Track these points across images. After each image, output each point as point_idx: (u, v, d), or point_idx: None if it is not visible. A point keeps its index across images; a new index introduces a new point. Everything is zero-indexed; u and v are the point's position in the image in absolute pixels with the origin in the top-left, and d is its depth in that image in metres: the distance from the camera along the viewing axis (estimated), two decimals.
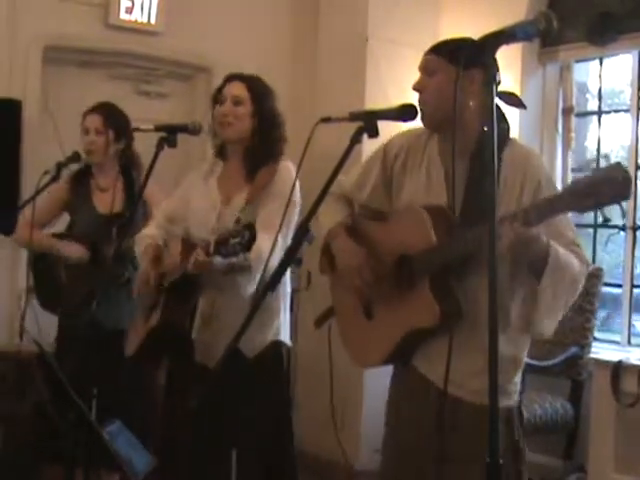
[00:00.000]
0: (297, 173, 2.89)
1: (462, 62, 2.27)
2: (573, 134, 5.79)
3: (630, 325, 5.48)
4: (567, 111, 5.80)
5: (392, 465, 2.89)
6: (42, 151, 5.15)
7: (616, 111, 5.87)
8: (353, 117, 2.57)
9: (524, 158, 2.67)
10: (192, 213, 3.57)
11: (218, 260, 3.09)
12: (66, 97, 5.61)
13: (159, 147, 3.31)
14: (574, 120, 5.80)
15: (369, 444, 5.17)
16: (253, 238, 2.91)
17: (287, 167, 3.51)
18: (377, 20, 5.92)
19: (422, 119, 2.72)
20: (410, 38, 5.75)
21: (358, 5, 6.01)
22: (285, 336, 3.57)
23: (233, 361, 2.48)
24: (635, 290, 5.49)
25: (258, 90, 3.55)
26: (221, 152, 3.65)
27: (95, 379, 3.63)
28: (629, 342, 5.46)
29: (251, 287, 3.25)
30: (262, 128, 3.52)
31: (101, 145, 4.26)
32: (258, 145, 3.52)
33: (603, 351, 5.33)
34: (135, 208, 3.85)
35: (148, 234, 3.65)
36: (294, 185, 2.96)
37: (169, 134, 3.33)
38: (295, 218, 3.44)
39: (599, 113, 5.82)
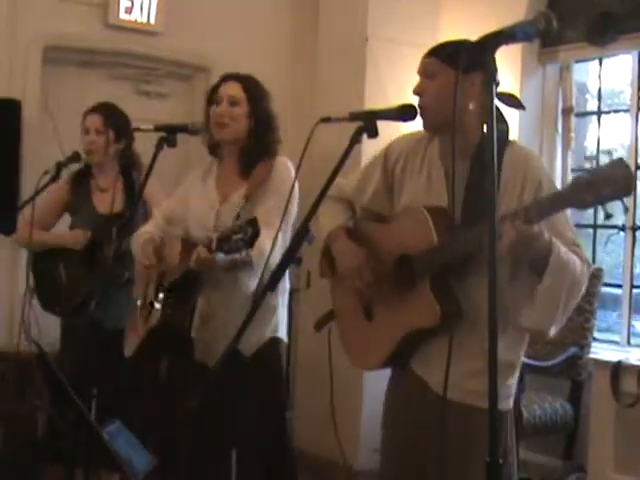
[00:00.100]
0: (297, 172, 2.88)
1: (462, 65, 2.26)
2: (573, 134, 5.79)
3: (630, 325, 5.48)
4: (567, 111, 5.80)
5: (390, 466, 2.89)
6: (42, 151, 5.15)
7: (616, 111, 5.87)
8: (353, 117, 2.57)
9: (524, 160, 2.67)
10: (191, 214, 3.57)
11: (220, 257, 3.09)
12: (66, 97, 5.62)
13: (159, 147, 3.32)
14: (574, 120, 5.80)
15: (368, 444, 5.17)
16: (256, 234, 2.90)
17: (283, 162, 3.50)
18: (377, 20, 5.92)
19: (423, 122, 2.72)
20: (410, 38, 5.75)
21: (358, 5, 6.00)
22: (283, 333, 3.57)
23: (232, 359, 2.48)
24: (635, 290, 5.49)
25: (254, 90, 3.55)
26: (215, 151, 3.64)
27: (95, 379, 3.63)
28: (629, 342, 5.45)
29: (252, 283, 3.24)
30: (258, 129, 3.52)
31: (101, 145, 4.26)
32: (253, 145, 3.51)
33: (603, 351, 5.33)
34: (135, 208, 3.85)
35: (146, 232, 3.64)
36: (293, 179, 2.95)
37: (169, 134, 3.34)
38: (294, 213, 3.44)
39: (599, 113, 5.82)
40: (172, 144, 3.34)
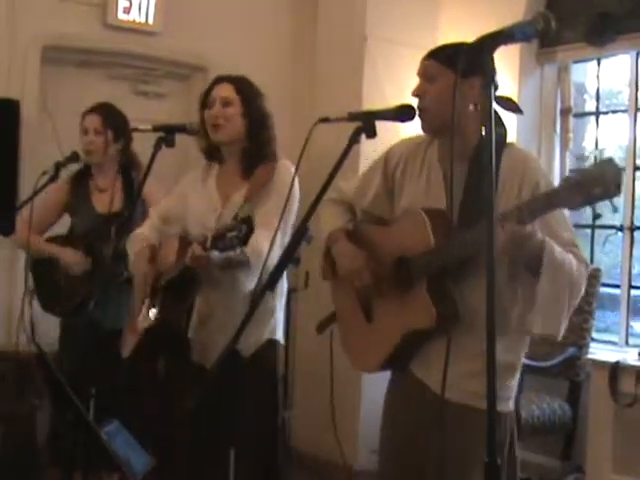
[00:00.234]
0: (296, 171, 2.89)
1: (461, 69, 2.26)
2: (571, 134, 5.79)
3: (628, 326, 5.49)
4: (565, 112, 5.80)
5: (390, 466, 2.89)
6: (40, 151, 5.15)
7: (614, 111, 5.87)
8: (351, 117, 2.57)
9: (522, 161, 2.67)
10: (191, 215, 3.57)
11: (215, 254, 3.10)
12: (64, 97, 5.62)
13: (157, 147, 3.32)
14: (572, 120, 5.80)
15: (367, 444, 5.18)
16: (250, 231, 2.92)
17: (286, 165, 3.50)
18: (375, 20, 5.92)
19: (421, 124, 2.72)
20: (408, 38, 5.76)
21: (356, 5, 6.01)
22: (280, 335, 3.58)
23: (230, 360, 2.49)
24: (633, 291, 5.50)
25: (247, 91, 3.54)
26: (212, 155, 3.63)
27: (94, 379, 3.63)
28: (627, 343, 5.46)
29: (250, 283, 3.25)
30: (253, 128, 3.52)
31: (100, 145, 4.27)
32: (254, 146, 3.51)
33: (601, 352, 5.33)
34: (134, 207, 3.85)
35: (142, 235, 3.64)
36: (293, 180, 2.96)
37: (167, 134, 3.34)
38: (294, 215, 3.44)
39: (597, 114, 5.82)
40: (170, 144, 3.34)
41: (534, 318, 2.51)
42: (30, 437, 4.54)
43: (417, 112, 2.65)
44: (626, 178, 5.47)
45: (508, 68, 5.45)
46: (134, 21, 5.82)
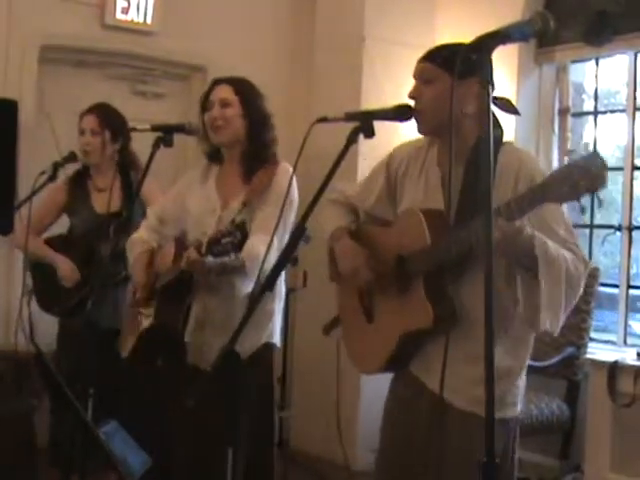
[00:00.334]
0: (293, 171, 2.89)
1: (457, 71, 2.25)
2: (569, 134, 5.80)
3: (626, 325, 5.49)
4: (563, 111, 5.81)
5: (387, 466, 2.89)
6: (38, 151, 5.15)
7: (612, 111, 5.88)
8: (349, 117, 2.57)
9: (517, 158, 2.66)
10: (190, 217, 3.56)
11: (210, 260, 3.10)
12: (62, 97, 5.62)
13: (155, 147, 3.31)
14: (570, 120, 5.81)
15: (366, 445, 5.18)
16: (244, 238, 2.93)
17: (285, 169, 3.49)
18: (373, 20, 5.92)
19: (417, 126, 2.72)
20: (406, 38, 5.76)
21: (354, 5, 6.01)
22: (277, 339, 3.58)
23: (228, 361, 2.49)
24: (631, 290, 5.50)
25: (246, 91, 3.54)
26: (213, 157, 3.63)
27: (92, 378, 3.63)
28: (625, 342, 5.46)
29: (246, 288, 3.25)
30: (253, 129, 3.52)
31: (97, 146, 4.27)
32: (254, 147, 3.51)
33: (599, 351, 5.34)
34: (132, 207, 3.85)
35: (141, 239, 3.64)
36: (290, 185, 2.96)
37: (165, 134, 3.34)
38: (292, 219, 3.44)
39: (595, 113, 5.82)
40: (169, 144, 3.34)
41: (544, 315, 2.49)
42: (28, 437, 4.53)
43: (413, 113, 2.65)
44: (624, 178, 5.48)
45: (506, 68, 5.46)
46: (132, 21, 5.82)
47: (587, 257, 2.67)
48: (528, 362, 2.80)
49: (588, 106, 6.01)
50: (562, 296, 2.51)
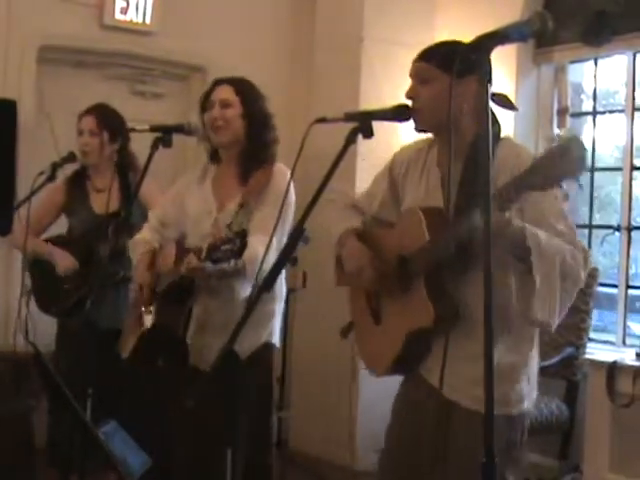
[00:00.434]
0: (292, 173, 2.89)
1: (456, 71, 2.25)
2: None
3: (625, 326, 5.49)
4: (562, 112, 5.81)
5: (391, 466, 2.89)
6: (37, 151, 5.14)
7: (611, 112, 5.88)
8: (348, 118, 2.57)
9: (516, 154, 2.66)
10: (188, 219, 3.57)
11: (209, 266, 3.11)
12: (61, 97, 5.61)
13: (154, 147, 3.32)
14: (569, 121, 5.81)
15: (365, 445, 5.18)
16: (244, 245, 2.94)
17: (282, 170, 3.49)
18: (372, 20, 5.93)
19: (415, 125, 2.72)
20: (405, 38, 5.76)
21: (353, 5, 6.01)
22: (276, 339, 3.59)
23: (228, 361, 2.49)
24: (630, 291, 5.50)
25: (246, 92, 3.54)
26: (214, 157, 3.63)
27: (91, 379, 3.63)
28: (624, 343, 5.46)
29: (245, 291, 3.25)
30: (254, 130, 3.51)
31: (96, 146, 4.27)
32: (252, 148, 3.51)
33: (598, 352, 5.33)
34: (130, 207, 3.85)
35: (143, 239, 3.64)
36: (289, 185, 2.96)
37: (164, 134, 3.34)
38: (290, 220, 3.44)
39: (594, 114, 5.82)
40: (168, 144, 3.34)
41: (537, 305, 2.47)
42: (27, 437, 4.53)
43: (411, 113, 2.65)
44: (623, 178, 5.48)
45: (505, 68, 5.46)
46: (131, 21, 5.82)
47: (585, 246, 2.66)
48: (536, 358, 2.79)
49: (587, 106, 6.01)
50: (557, 287, 2.49)
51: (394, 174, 2.92)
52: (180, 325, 3.41)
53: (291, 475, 5.19)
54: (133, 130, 3.66)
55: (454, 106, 2.47)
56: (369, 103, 5.05)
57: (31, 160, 4.83)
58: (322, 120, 2.58)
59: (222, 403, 3.30)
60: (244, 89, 3.54)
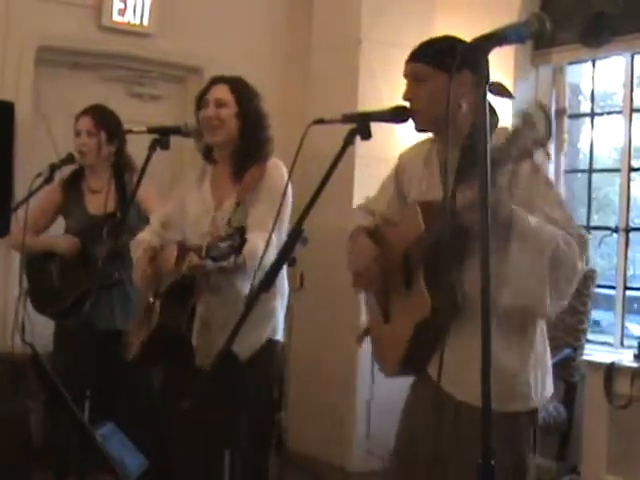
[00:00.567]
0: (290, 173, 2.88)
1: (451, 68, 2.24)
2: (566, 136, 5.79)
3: (623, 327, 5.49)
4: (560, 113, 5.81)
5: (399, 464, 2.89)
6: (35, 153, 5.15)
7: (609, 113, 5.88)
8: (346, 119, 2.57)
9: None
10: (188, 219, 3.57)
11: (210, 263, 3.11)
12: (58, 99, 5.61)
13: (152, 149, 3.32)
14: (567, 122, 5.81)
15: (361, 446, 5.17)
16: (243, 241, 2.94)
17: (276, 164, 3.50)
18: (370, 22, 5.93)
19: (414, 125, 2.73)
20: (403, 40, 5.72)
21: (351, 7, 6.01)
22: (280, 335, 3.58)
23: (227, 361, 2.49)
24: (628, 292, 5.50)
25: (242, 91, 3.54)
26: (208, 155, 3.63)
27: (88, 380, 3.63)
28: (622, 344, 5.46)
29: (246, 287, 3.25)
30: (248, 129, 3.51)
31: (93, 147, 4.27)
32: (245, 147, 3.51)
33: (596, 353, 5.33)
34: (127, 209, 3.85)
35: (144, 240, 3.64)
36: (288, 180, 2.96)
37: (162, 136, 3.34)
38: (288, 214, 3.44)
39: (592, 115, 5.83)
40: (165, 146, 3.34)
41: (501, 289, 2.43)
42: (24, 438, 4.53)
43: (409, 113, 2.65)
44: (621, 179, 5.49)
45: (503, 70, 5.45)
46: (129, 23, 5.83)
47: (583, 232, 2.62)
48: (547, 353, 2.76)
49: (585, 108, 6.01)
50: (544, 272, 2.46)
51: (399, 174, 2.96)
52: (184, 324, 3.42)
53: (288, 475, 5.18)
54: (130, 132, 3.66)
55: (452, 102, 2.48)
56: (368, 104, 5.04)
57: (28, 161, 4.84)
58: (320, 121, 2.58)
59: (222, 403, 3.30)
60: (239, 88, 3.55)
